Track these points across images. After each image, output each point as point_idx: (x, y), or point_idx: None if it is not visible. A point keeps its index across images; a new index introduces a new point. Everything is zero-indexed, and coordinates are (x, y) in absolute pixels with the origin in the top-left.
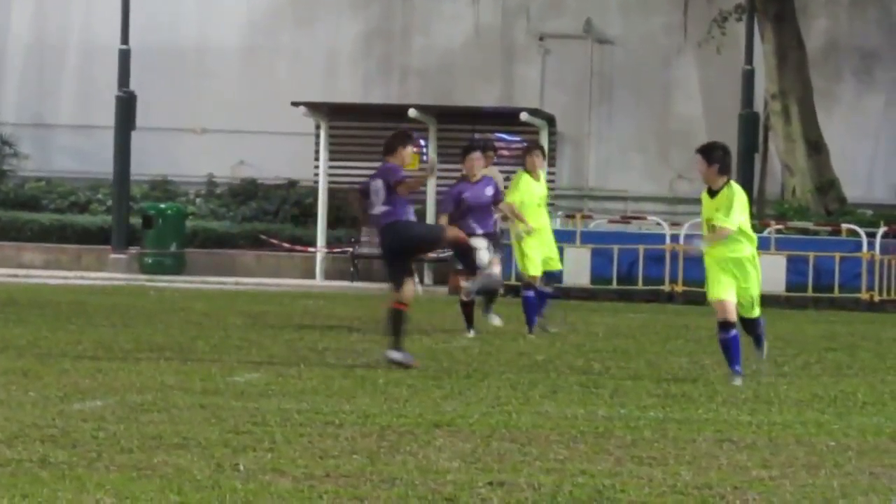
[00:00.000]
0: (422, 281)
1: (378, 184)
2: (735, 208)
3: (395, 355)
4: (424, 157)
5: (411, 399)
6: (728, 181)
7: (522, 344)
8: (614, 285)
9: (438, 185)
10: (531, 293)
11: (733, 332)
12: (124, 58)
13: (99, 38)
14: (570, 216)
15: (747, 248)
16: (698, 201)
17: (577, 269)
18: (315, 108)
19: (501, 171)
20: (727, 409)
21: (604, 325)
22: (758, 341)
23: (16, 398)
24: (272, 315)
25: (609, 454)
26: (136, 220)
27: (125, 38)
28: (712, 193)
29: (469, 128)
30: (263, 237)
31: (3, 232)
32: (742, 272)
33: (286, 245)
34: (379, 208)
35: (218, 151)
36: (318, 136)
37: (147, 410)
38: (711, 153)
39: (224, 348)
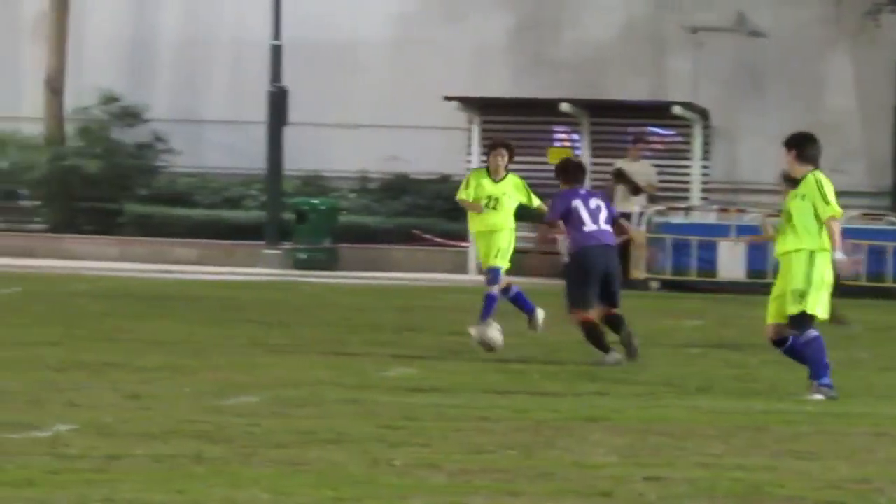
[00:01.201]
0: None
1: (599, 203)
2: (828, 194)
3: (609, 359)
4: (577, 152)
5: (566, 394)
6: (812, 170)
7: (678, 337)
8: (770, 279)
9: (594, 181)
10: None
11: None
12: (276, 53)
13: (250, 34)
14: (724, 210)
15: (793, 242)
16: (853, 194)
17: (732, 263)
18: (468, 102)
19: (655, 165)
20: (883, 404)
21: (758, 320)
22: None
23: (170, 394)
24: (424, 310)
25: (765, 448)
26: (288, 216)
27: (277, 33)
28: (794, 183)
29: (621, 121)
30: (416, 232)
31: (156, 227)
32: (785, 265)
33: (438, 240)
34: (592, 227)
35: (370, 146)
36: (470, 130)
37: (300, 405)
38: (791, 139)
39: (376, 343)
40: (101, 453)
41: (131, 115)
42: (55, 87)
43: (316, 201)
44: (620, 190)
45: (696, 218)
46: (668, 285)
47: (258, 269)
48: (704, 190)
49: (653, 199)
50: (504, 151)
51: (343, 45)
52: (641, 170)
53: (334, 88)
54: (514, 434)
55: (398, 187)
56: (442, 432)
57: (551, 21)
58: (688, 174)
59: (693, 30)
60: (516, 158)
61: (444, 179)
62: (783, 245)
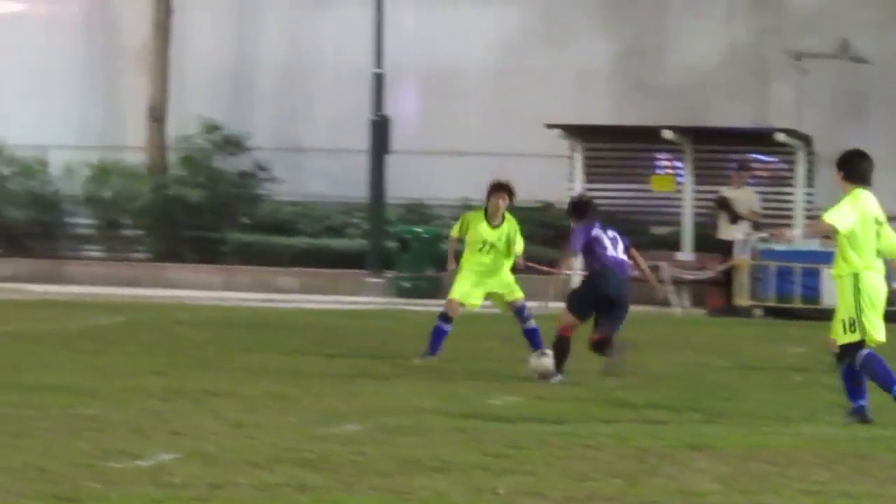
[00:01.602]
0: (681, 303)
1: (616, 234)
2: (841, 205)
3: (553, 378)
4: (680, 180)
5: (669, 421)
6: (853, 189)
7: (781, 364)
8: None
9: (696, 208)
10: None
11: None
12: (378, 81)
13: (352, 62)
14: (828, 237)
15: (837, 266)
16: None
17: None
18: (569, 130)
19: (758, 192)
20: None
21: None
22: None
23: (274, 422)
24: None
25: (871, 476)
26: (391, 244)
27: (379, 61)
28: None
29: (725, 148)
30: (518, 260)
31: (259, 256)
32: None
33: (542, 267)
34: (613, 253)
35: (472, 174)
36: (572, 157)
37: (404, 433)
38: (840, 158)
39: (481, 371)
40: (204, 482)
41: (233, 144)
42: (157, 116)
43: (419, 229)
44: (723, 217)
45: (800, 245)
46: (771, 312)
47: (361, 298)
48: (808, 217)
49: (757, 227)
50: (506, 195)
51: (445, 72)
52: (744, 197)
53: (436, 116)
54: (618, 462)
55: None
56: (546, 460)
57: (654, 47)
58: (791, 201)
59: (796, 56)
60: (620, 186)
61: (547, 207)
62: (834, 268)
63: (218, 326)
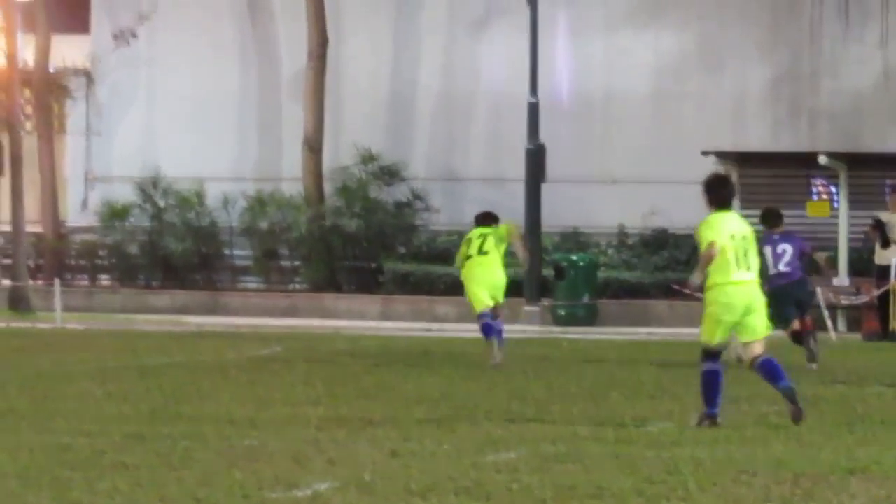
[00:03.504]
0: (836, 327)
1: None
2: (703, 229)
3: None
4: (836, 205)
5: (825, 445)
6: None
7: None
8: None
9: (852, 233)
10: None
11: None
12: (533, 111)
13: (507, 91)
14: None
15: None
16: None
17: None
18: (725, 156)
19: None
20: None
21: None
22: None
23: (430, 450)
24: (684, 365)
25: None
26: (547, 272)
27: (534, 90)
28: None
29: (880, 173)
30: (676, 286)
31: (417, 285)
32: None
33: (699, 294)
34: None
35: (628, 201)
36: None
37: (560, 461)
38: (704, 184)
39: (637, 398)
40: None
41: (390, 174)
42: (314, 146)
43: (575, 257)
44: (878, 241)
45: None
46: None
47: (518, 326)
48: None
49: None
50: None
51: (600, 99)
52: None
53: (592, 143)
54: (773, 487)
55: (657, 242)
56: (700, 486)
57: (809, 71)
58: None
59: None
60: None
61: None
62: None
63: (375, 355)
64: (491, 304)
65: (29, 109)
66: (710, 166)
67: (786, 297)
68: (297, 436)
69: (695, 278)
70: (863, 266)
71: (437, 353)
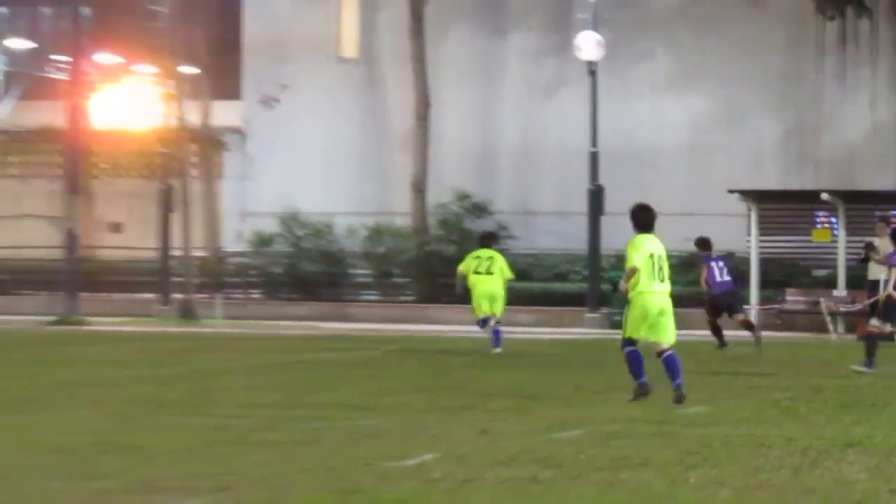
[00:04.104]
0: (835, 330)
1: None
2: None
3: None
4: (835, 233)
5: (827, 425)
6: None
7: None
8: None
9: (849, 255)
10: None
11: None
12: (594, 158)
13: (573, 143)
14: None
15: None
16: None
17: None
18: (746, 194)
19: None
20: None
21: None
22: None
23: (512, 429)
24: (717, 360)
25: None
26: (605, 287)
27: (594, 142)
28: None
29: (871, 206)
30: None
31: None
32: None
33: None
34: None
35: (669, 230)
36: (749, 216)
37: (616, 437)
38: (630, 211)
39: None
40: (457, 477)
41: (479, 209)
42: (419, 187)
43: None
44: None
45: None
46: None
47: (582, 330)
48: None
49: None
50: None
51: (646, 149)
52: (884, 245)
53: (639, 184)
54: (786, 457)
55: (692, 262)
56: (728, 456)
57: (812, 126)
58: None
59: None
60: (787, 238)
61: (730, 255)
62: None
63: (469, 354)
64: (489, 312)
65: (195, 160)
66: (734, 202)
67: (727, 297)
68: (407, 418)
69: (622, 286)
70: (857, 281)
71: (518, 352)
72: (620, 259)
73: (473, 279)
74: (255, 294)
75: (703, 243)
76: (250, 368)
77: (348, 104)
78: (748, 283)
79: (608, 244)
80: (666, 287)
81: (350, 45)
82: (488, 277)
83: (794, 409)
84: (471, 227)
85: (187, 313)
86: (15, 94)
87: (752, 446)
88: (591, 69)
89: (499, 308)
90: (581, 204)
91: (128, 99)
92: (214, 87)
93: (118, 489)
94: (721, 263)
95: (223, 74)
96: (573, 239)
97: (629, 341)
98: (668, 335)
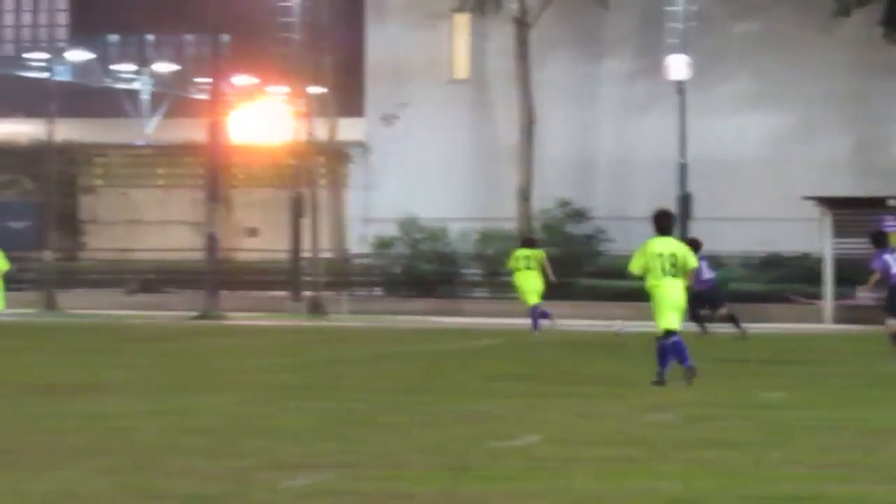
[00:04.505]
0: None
1: None
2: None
3: None
4: None
5: (888, 407)
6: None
7: None
8: None
9: None
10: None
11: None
12: (682, 168)
13: (664, 154)
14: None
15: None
16: None
17: None
18: (821, 200)
19: None
20: None
21: None
22: None
23: (609, 412)
24: (793, 350)
25: None
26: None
27: (683, 153)
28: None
29: None
30: (786, 295)
31: (600, 294)
32: None
33: (803, 300)
34: None
35: (751, 233)
36: (822, 221)
37: (702, 420)
38: (653, 216)
39: (759, 374)
40: (559, 456)
41: (579, 215)
42: (525, 195)
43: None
44: None
45: None
46: None
47: None
48: None
49: None
50: None
51: (729, 160)
52: None
53: (724, 192)
54: (857, 437)
55: (773, 262)
56: (805, 437)
57: (880, 139)
58: None
59: None
60: (857, 240)
61: (805, 256)
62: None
63: (569, 345)
64: (537, 301)
65: (322, 171)
66: (810, 208)
67: (710, 293)
68: (513, 402)
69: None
70: None
71: (612, 343)
72: (708, 260)
73: (518, 275)
74: (377, 292)
75: (693, 243)
76: (373, 358)
77: (460, 121)
78: (823, 281)
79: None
80: (676, 281)
81: (461, 68)
82: (529, 272)
83: (865, 394)
84: (571, 231)
85: (316, 309)
86: (161, 113)
87: (827, 428)
88: (680, 88)
89: (539, 296)
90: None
91: (262, 116)
92: (340, 106)
93: (255, 467)
94: (704, 263)
95: (348, 94)
96: None
97: (668, 332)
98: (671, 322)
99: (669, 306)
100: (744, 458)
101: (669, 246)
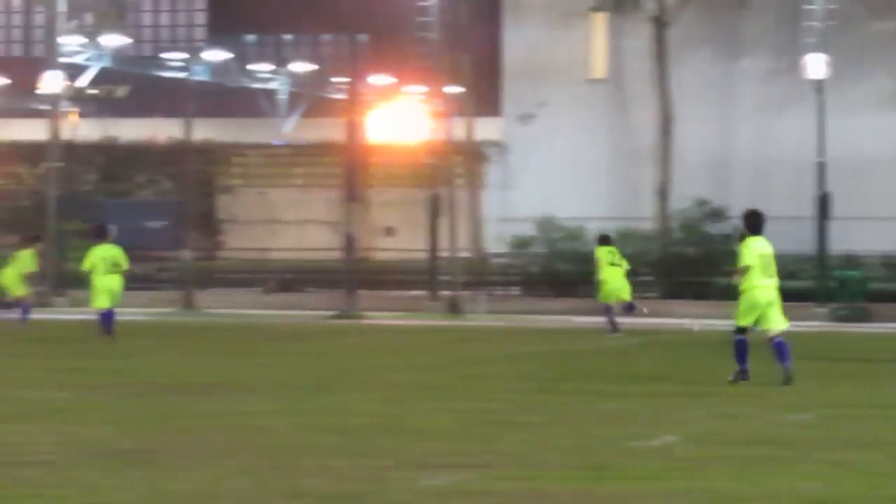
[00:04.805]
0: None
1: None
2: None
3: None
4: None
5: None
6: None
7: None
8: None
9: None
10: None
11: None
12: (821, 168)
13: (802, 153)
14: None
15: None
16: None
17: None
18: None
19: None
20: None
21: None
22: None
23: (747, 412)
24: None
25: None
26: (832, 284)
27: (821, 153)
28: None
29: None
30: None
31: (736, 293)
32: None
33: None
34: None
35: (891, 232)
36: None
37: (843, 420)
38: (744, 216)
39: (890, 374)
40: (697, 457)
41: (717, 214)
42: (663, 195)
43: (852, 273)
44: None
45: None
46: None
47: (810, 323)
48: None
49: None
50: None
51: (867, 160)
52: None
53: (863, 191)
54: None
55: None
56: None
57: None
58: None
59: None
60: None
61: None
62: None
63: (705, 345)
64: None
65: (459, 171)
66: None
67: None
68: (650, 402)
69: (734, 279)
70: None
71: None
72: (847, 259)
73: (606, 272)
74: (515, 291)
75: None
76: (510, 357)
77: (597, 120)
78: None
79: (835, 245)
80: (773, 282)
81: (599, 67)
82: (617, 269)
83: None
84: (709, 231)
85: (454, 308)
86: (298, 113)
87: None
88: (818, 87)
89: (628, 293)
90: (809, 209)
91: (399, 116)
92: (477, 105)
93: (393, 466)
94: None
95: (485, 93)
96: (803, 241)
97: (740, 330)
98: (776, 323)
99: (760, 306)
100: (885, 459)
101: (767, 247)
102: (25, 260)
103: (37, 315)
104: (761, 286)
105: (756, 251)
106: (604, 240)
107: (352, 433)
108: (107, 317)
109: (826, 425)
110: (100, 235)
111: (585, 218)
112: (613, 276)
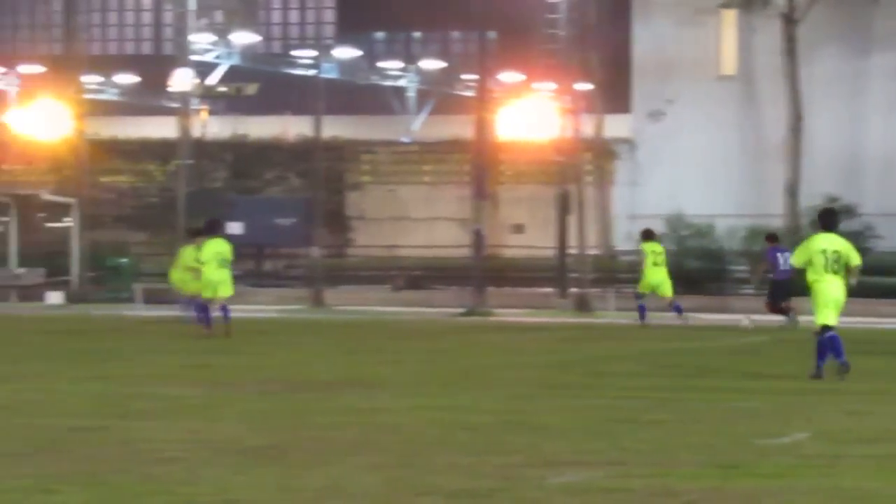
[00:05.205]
0: None
1: None
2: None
3: None
4: None
5: None
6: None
7: None
8: None
9: None
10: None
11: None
12: None
13: None
14: None
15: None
16: None
17: None
18: None
19: None
20: None
21: None
22: None
23: (878, 410)
24: None
25: None
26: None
27: None
28: None
29: None
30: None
31: (867, 291)
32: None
33: None
34: None
35: None
36: None
37: None
38: (819, 213)
39: None
40: (828, 454)
41: (847, 211)
42: (792, 192)
43: None
44: None
45: None
46: None
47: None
48: None
49: None
50: None
51: None
52: None
53: None
54: None
55: None
56: None
57: None
58: None
59: None
60: None
61: None
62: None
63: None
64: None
65: (588, 168)
66: None
67: (788, 284)
68: (780, 400)
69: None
70: None
71: (881, 341)
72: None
73: (653, 271)
74: None
75: (771, 237)
76: (640, 354)
77: (727, 117)
78: None
79: None
80: (837, 277)
81: (729, 64)
82: (661, 269)
83: None
84: (840, 228)
85: (583, 306)
86: (427, 110)
87: None
88: None
89: (671, 289)
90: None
91: (529, 113)
92: (606, 102)
93: (522, 464)
94: (786, 254)
95: (614, 90)
96: None
97: (825, 328)
98: (829, 318)
99: (828, 302)
100: None
101: (833, 243)
102: (190, 255)
103: (164, 311)
104: (825, 280)
105: (815, 248)
106: (648, 234)
107: (481, 430)
108: (203, 309)
109: None
110: (214, 230)
111: (714, 215)
112: (654, 275)
